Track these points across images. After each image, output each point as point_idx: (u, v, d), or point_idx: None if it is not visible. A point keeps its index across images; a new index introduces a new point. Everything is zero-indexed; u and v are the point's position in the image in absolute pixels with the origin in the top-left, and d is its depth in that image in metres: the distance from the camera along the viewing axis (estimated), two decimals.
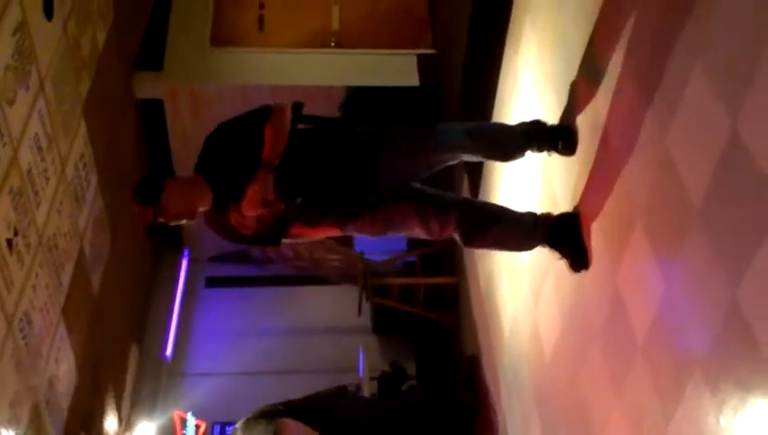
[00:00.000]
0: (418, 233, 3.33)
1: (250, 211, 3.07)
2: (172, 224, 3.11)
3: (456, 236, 3.34)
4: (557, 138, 3.32)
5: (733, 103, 2.17)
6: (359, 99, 5.87)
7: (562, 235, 3.23)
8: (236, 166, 3.09)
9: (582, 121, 3.22)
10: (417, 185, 3.36)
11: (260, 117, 3.15)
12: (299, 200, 3.17)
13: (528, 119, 3.53)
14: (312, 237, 3.46)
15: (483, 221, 3.32)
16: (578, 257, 3.19)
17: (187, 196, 3.07)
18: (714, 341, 2.26)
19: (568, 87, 3.35)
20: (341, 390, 4.85)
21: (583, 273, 3.20)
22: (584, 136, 3.19)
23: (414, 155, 3.33)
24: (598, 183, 3.06)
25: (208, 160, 3.17)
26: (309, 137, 3.26)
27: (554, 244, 3.26)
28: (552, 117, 3.47)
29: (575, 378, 3.30)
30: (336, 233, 3.36)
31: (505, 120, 4.29)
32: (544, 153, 3.41)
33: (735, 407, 2.15)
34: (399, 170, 3.30)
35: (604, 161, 3.00)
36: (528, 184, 3.87)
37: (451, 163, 3.50)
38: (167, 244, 6.97)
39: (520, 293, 4.12)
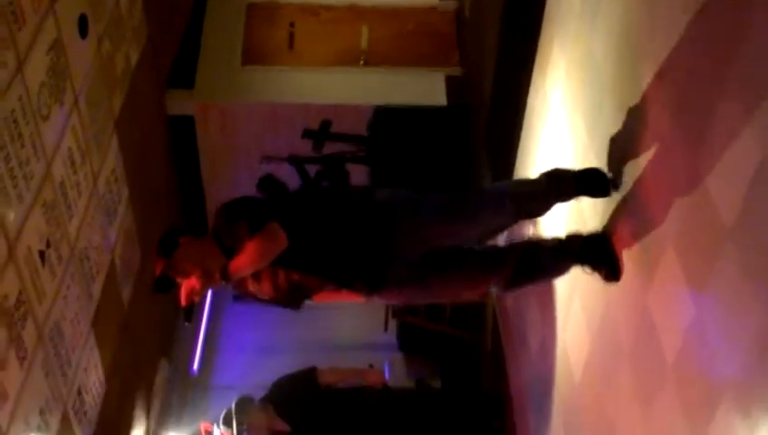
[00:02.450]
0: (448, 298, 3.35)
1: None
2: (183, 286, 2.97)
3: (494, 290, 3.41)
4: (591, 183, 3.24)
5: (763, 127, 2.16)
6: (387, 119, 5.89)
7: (593, 254, 3.22)
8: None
9: (613, 150, 3.21)
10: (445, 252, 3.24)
11: (261, 216, 2.99)
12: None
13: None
14: (337, 301, 3.48)
15: (523, 281, 3.38)
16: (612, 269, 3.15)
17: (198, 255, 3.00)
18: (745, 365, 2.24)
19: (594, 109, 3.35)
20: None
21: (612, 292, 3.19)
22: (613, 161, 3.19)
23: (438, 227, 3.18)
24: (628, 204, 3.06)
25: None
26: (325, 206, 3.16)
27: (585, 262, 3.26)
28: (579, 140, 3.47)
29: (604, 398, 3.29)
30: (361, 301, 3.32)
31: (533, 141, 4.30)
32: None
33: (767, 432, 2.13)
34: (422, 244, 3.17)
35: (634, 184, 3.00)
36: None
37: (503, 230, 3.50)
38: None
39: (548, 312, 4.11)
